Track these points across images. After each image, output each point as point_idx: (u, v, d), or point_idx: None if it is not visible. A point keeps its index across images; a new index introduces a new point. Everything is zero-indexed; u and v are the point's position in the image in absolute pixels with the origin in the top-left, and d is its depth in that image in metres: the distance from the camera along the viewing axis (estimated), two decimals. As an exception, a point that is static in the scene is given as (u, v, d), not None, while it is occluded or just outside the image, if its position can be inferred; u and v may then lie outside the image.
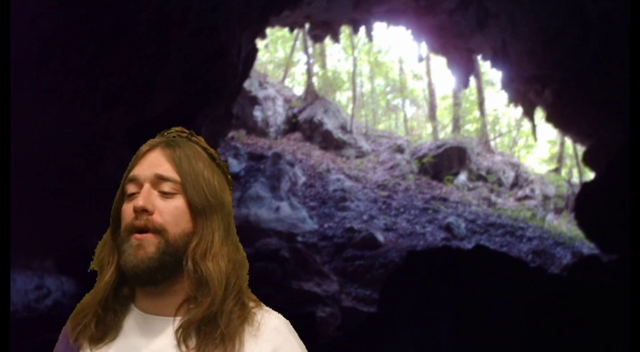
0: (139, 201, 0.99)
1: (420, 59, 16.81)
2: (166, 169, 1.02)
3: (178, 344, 0.97)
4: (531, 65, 10.05)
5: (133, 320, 1.04)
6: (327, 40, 16.29)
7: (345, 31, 16.60)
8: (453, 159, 17.21)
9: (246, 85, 14.97)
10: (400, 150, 18.13)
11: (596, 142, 10.25)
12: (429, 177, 16.77)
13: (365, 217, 13.19)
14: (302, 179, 14.60)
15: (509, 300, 5.60)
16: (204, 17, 6.72)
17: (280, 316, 1.07)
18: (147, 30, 5.84)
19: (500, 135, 25.12)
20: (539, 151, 25.91)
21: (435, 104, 23.55)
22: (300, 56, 26.00)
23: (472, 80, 15.51)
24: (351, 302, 9.47)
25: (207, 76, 7.59)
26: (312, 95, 19.54)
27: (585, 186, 10.29)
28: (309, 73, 21.35)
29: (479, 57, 13.37)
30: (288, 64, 24.73)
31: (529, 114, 12.25)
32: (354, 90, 21.99)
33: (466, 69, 13.54)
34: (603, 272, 6.78)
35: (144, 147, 1.07)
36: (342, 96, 26.46)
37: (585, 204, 9.31)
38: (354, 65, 22.60)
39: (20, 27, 4.37)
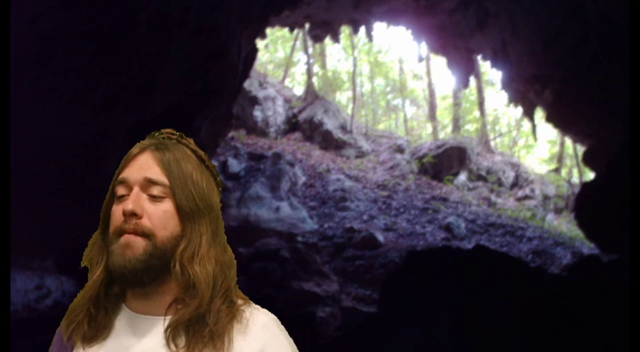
0: (129, 205, 1.00)
1: (420, 59, 16.82)
2: (156, 173, 1.04)
3: (167, 344, 0.99)
4: (531, 65, 10.04)
5: (123, 320, 1.05)
6: (327, 40, 16.29)
7: (345, 31, 16.59)
8: (453, 159, 17.21)
9: (246, 85, 14.98)
10: (400, 150, 18.12)
11: (596, 142, 10.25)
12: (429, 177, 16.77)
13: (365, 217, 13.18)
14: (302, 179, 14.60)
15: (509, 300, 5.60)
16: (204, 17, 6.72)
17: (269, 313, 1.08)
18: (147, 30, 5.84)
19: (500, 135, 25.10)
20: (539, 151, 25.94)
21: (435, 104, 23.54)
22: (300, 56, 26.03)
23: (472, 80, 15.51)
24: (351, 302, 9.47)
25: (207, 76, 7.59)
26: (312, 95, 19.53)
27: (585, 186, 10.28)
28: (309, 73, 21.34)
29: (479, 57, 13.36)
30: (288, 64, 24.73)
31: (529, 114, 12.24)
32: (354, 90, 21.97)
33: (466, 69, 13.53)
34: (603, 272, 6.79)
35: (134, 150, 1.08)
36: (342, 96, 26.45)
37: (585, 204, 9.31)
38: (354, 65, 22.59)
39: (20, 27, 4.37)
